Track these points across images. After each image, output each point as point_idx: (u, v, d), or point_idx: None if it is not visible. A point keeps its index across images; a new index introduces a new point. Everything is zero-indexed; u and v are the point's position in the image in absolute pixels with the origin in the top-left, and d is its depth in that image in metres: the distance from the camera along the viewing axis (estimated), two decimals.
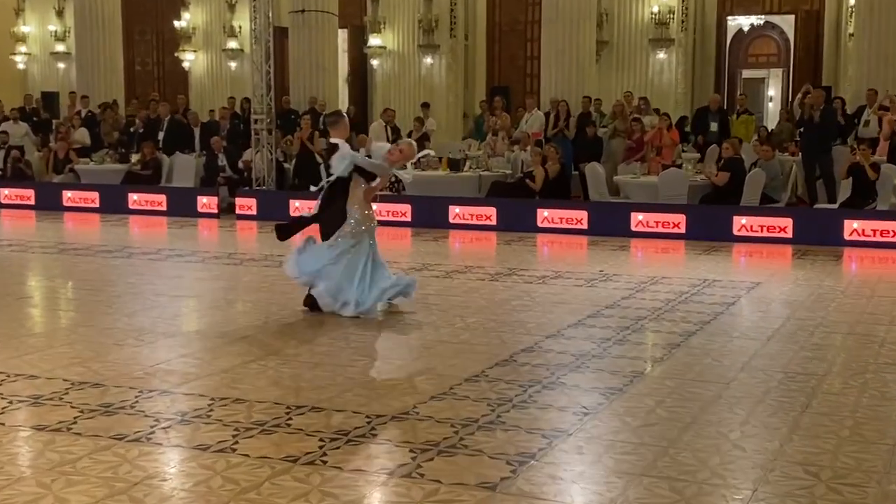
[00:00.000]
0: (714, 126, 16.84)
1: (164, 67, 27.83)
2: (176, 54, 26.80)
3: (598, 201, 14.57)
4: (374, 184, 8.22)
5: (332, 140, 8.51)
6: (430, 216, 14.38)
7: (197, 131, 18.58)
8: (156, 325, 7.85)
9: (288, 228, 8.70)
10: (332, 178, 8.17)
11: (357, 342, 7.32)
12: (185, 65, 26.77)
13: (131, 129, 19.35)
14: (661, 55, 23.57)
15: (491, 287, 9.72)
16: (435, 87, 24.53)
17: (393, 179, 10.41)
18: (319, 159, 16.90)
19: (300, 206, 15.06)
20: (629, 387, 6.07)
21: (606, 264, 11.18)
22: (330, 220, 8.30)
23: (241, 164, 17.25)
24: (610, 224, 13.62)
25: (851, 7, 21.59)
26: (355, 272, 8.13)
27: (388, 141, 9.52)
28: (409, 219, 14.49)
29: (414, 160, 8.54)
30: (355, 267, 8.14)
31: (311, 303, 8.30)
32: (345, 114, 9.03)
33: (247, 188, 16.36)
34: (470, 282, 10.03)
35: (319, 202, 8.37)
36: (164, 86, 27.51)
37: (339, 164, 8.13)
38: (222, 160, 17.34)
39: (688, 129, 18.72)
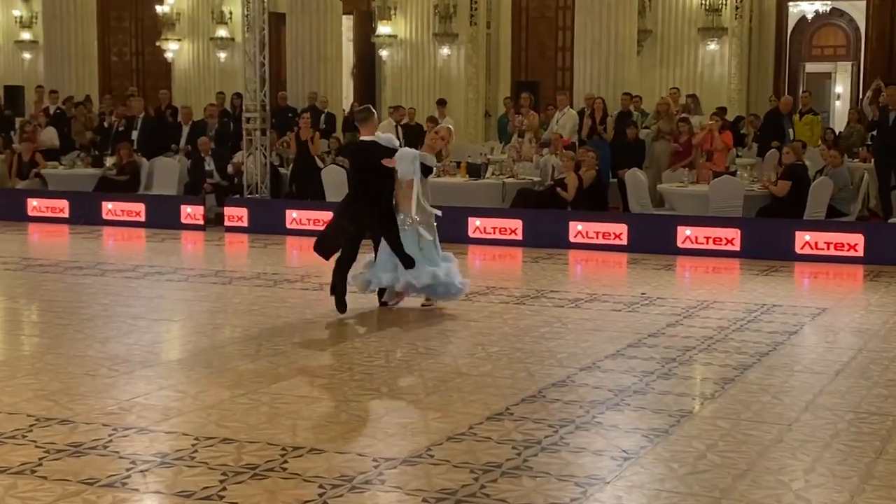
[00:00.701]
0: (791, 132, 16.75)
1: (144, 59, 28.00)
2: (157, 44, 26.95)
3: (639, 213, 14.58)
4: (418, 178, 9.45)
5: (366, 138, 9.50)
6: (446, 229, 14.17)
7: (185, 131, 18.72)
8: (132, 353, 7.87)
9: (326, 243, 9.73)
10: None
11: (362, 374, 7.35)
12: (168, 56, 26.92)
13: (105, 125, 19.42)
14: (713, 46, 23.57)
15: (516, 311, 9.74)
16: (452, 82, 24.60)
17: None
18: (320, 163, 17.00)
19: (298, 218, 15.21)
20: (676, 428, 6.06)
21: (649, 286, 11.19)
22: (374, 217, 9.44)
23: (230, 169, 17.33)
24: (653, 239, 13.63)
25: None
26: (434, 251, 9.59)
27: (399, 144, 9.78)
28: None
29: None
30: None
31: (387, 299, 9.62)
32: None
33: (237, 196, 16.42)
34: (492, 305, 10.04)
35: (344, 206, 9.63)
36: (144, 79, 27.66)
37: (408, 166, 9.33)
38: (209, 164, 17.41)
39: (743, 130, 18.70)
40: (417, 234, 9.52)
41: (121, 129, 18.73)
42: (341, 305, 9.41)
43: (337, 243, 9.65)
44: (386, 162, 9.38)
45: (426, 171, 9.60)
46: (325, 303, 10.08)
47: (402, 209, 9.54)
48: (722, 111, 17.86)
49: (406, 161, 9.39)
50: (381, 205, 9.47)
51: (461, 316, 9.49)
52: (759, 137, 17.75)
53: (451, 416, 6.23)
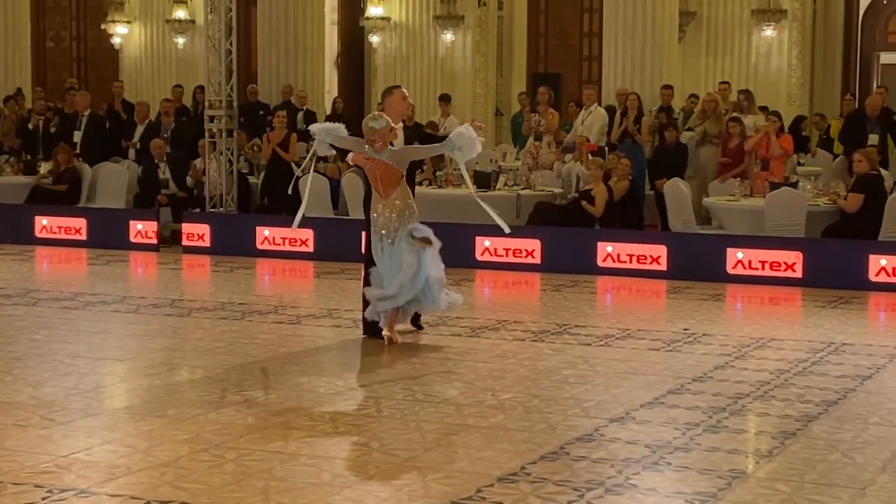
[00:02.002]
0: (875, 137, 16.68)
1: (87, 44, 28.11)
2: (103, 27, 26.97)
3: (681, 232, 14.58)
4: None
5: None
6: (449, 251, 14.06)
7: (139, 131, 18.76)
8: (71, 400, 7.81)
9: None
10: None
11: (348, 425, 7.33)
12: (115, 41, 26.93)
13: (30, 127, 19.33)
14: (769, 32, 23.61)
15: (534, 350, 9.72)
16: (457, 75, 24.63)
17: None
18: (297, 170, 16.98)
19: (271, 236, 15.23)
20: (726, 492, 6.02)
21: (693, 320, 11.15)
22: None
23: (189, 180, 17.31)
24: (698, 264, 13.60)
25: None
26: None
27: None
28: None
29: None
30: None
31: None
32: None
33: (197, 210, 16.42)
34: (505, 342, 10.01)
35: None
36: (86, 69, 27.73)
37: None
38: (164, 172, 17.45)
39: (806, 133, 18.70)
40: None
41: (52, 129, 18.70)
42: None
43: None
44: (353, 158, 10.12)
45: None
46: (302, 339, 10.09)
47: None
48: (775, 114, 17.78)
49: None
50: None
51: (467, 355, 9.44)
52: (843, 145, 17.65)
53: (454, 478, 6.21)
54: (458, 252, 14.19)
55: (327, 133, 9.94)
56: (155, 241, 16.12)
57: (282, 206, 16.28)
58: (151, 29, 26.81)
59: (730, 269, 13.54)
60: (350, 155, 10.19)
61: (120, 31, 26.75)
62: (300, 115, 19.75)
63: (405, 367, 9.14)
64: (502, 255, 14.37)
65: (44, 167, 18.13)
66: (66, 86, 21.83)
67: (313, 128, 10.25)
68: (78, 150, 18.07)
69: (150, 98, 22.80)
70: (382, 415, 7.63)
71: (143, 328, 10.73)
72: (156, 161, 17.44)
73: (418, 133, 10.91)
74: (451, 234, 14.23)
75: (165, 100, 19.82)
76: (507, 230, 10.45)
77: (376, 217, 9.83)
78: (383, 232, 9.80)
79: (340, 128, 10.08)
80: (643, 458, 6.61)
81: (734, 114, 16.93)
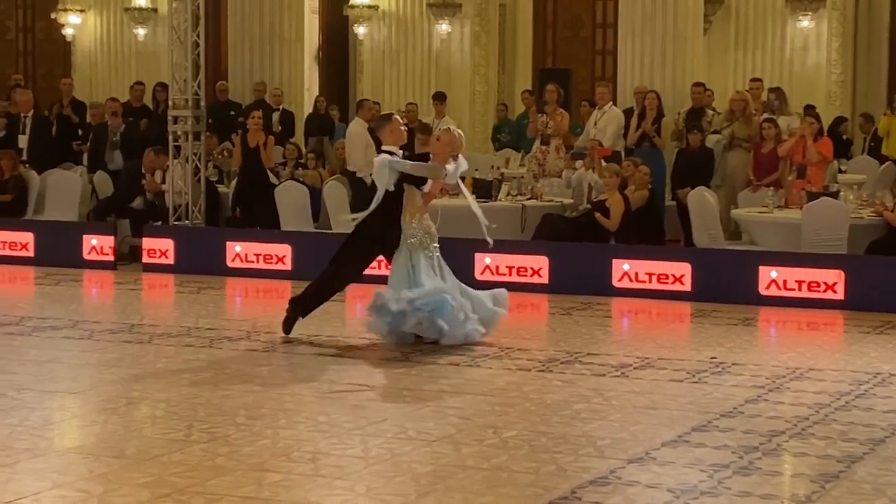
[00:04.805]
0: None
1: (34, 36, 28.08)
2: (53, 16, 26.95)
3: (707, 248, 14.59)
4: (425, 189, 11.04)
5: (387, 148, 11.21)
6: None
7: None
8: (16, 439, 7.79)
9: (303, 302, 11.37)
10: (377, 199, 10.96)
11: (330, 466, 7.30)
12: (67, 32, 26.88)
13: None
14: (806, 23, 23.64)
15: (541, 382, 9.73)
16: (454, 70, 24.65)
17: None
18: (274, 179, 16.99)
19: (243, 252, 15.23)
20: None
21: (721, 347, 11.14)
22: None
23: (146, 191, 17.20)
24: (726, 284, 13.59)
25: None
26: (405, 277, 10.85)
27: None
28: None
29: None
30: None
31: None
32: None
33: (159, 224, 16.40)
34: (508, 373, 10.03)
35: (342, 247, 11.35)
36: (34, 64, 27.69)
37: (380, 175, 10.88)
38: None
39: (847, 136, 18.70)
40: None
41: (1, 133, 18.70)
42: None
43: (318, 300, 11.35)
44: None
45: (416, 181, 11.07)
46: (278, 370, 10.12)
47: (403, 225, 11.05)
48: (813, 115, 17.74)
49: (376, 170, 11.08)
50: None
51: (466, 387, 9.43)
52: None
53: None
54: (456, 270, 13.97)
55: (391, 167, 10.98)
56: (112, 258, 16.10)
57: (255, 219, 16.29)
58: (108, 19, 26.78)
59: (762, 290, 13.53)
60: (429, 184, 11.21)
61: (72, 21, 26.69)
62: (275, 116, 19.75)
63: (396, 400, 9.14)
64: (505, 274, 14.28)
65: None
66: (11, 83, 21.81)
67: (380, 162, 11.09)
68: (24, 157, 18.09)
69: (106, 94, 22.76)
70: (370, 455, 7.58)
71: (98, 357, 10.70)
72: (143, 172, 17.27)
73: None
74: (447, 251, 14.25)
75: (111, 99, 19.75)
76: (490, 243, 11.52)
77: (421, 226, 11.09)
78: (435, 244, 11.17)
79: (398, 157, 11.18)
80: (666, 503, 6.59)
81: (766, 115, 16.92)
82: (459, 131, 11.43)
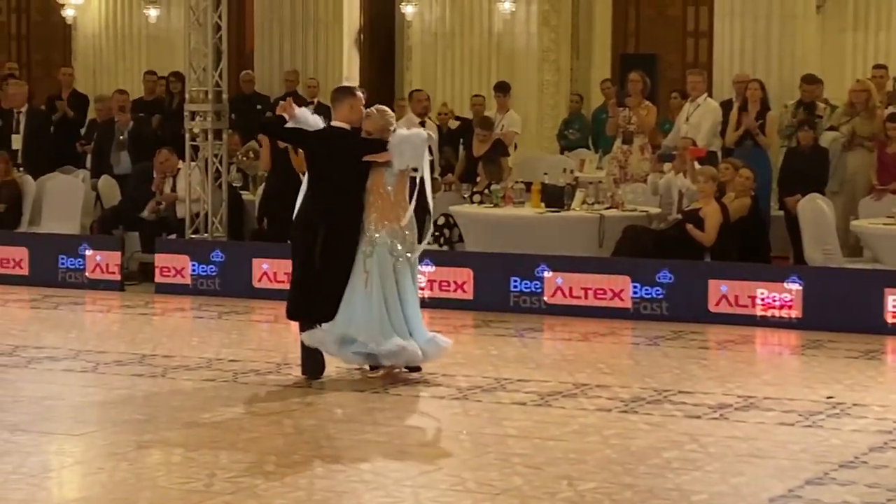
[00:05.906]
0: None
1: (30, 18, 28.34)
2: None
3: (821, 266, 14.25)
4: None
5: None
6: (504, 288, 14.22)
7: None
8: (10, 489, 7.73)
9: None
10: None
11: None
12: (68, 15, 26.75)
13: None
14: None
15: (623, 424, 9.54)
16: (518, 57, 24.34)
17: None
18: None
19: (271, 271, 15.05)
20: None
21: (840, 385, 10.89)
22: None
23: (157, 198, 16.87)
24: (845, 309, 13.25)
25: None
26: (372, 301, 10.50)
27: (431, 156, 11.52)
28: (468, 295, 14.27)
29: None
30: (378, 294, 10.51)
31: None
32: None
33: (173, 236, 16.19)
34: (584, 414, 9.83)
35: None
36: (29, 51, 27.76)
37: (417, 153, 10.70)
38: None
39: None
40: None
41: None
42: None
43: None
44: (377, 157, 10.61)
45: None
46: (315, 409, 9.99)
47: (385, 227, 10.59)
48: None
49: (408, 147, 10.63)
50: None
51: (535, 430, 9.23)
52: None
53: None
54: (522, 290, 14.20)
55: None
56: (118, 278, 15.84)
57: (286, 232, 15.63)
58: (113, 2, 26.61)
59: (889, 318, 13.17)
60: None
61: (73, 1, 26.65)
62: (310, 110, 19.26)
63: (452, 446, 9.03)
64: (580, 297, 14.06)
65: None
66: (4, 72, 21.71)
67: (420, 137, 10.95)
68: (19, 159, 18.06)
69: (112, 86, 22.47)
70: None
71: (103, 393, 10.62)
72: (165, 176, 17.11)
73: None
74: (510, 267, 13.62)
75: (118, 91, 19.58)
76: (419, 249, 11.06)
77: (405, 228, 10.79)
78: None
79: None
80: None
81: (891, 108, 16.59)
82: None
